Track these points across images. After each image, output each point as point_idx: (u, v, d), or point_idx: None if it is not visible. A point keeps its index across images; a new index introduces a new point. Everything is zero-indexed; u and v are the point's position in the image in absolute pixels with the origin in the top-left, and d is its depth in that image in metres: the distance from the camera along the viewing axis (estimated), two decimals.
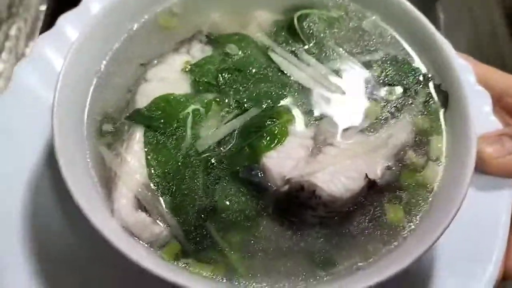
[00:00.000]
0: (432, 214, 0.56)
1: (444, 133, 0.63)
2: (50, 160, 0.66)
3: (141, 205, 0.56)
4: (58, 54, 0.76)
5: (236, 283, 0.53)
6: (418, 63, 0.68)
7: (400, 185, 0.59)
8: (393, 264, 0.51)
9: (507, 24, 1.23)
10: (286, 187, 0.55)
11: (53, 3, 0.96)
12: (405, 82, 0.67)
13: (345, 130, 0.62)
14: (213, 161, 0.59)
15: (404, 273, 0.50)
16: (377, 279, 0.49)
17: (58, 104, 0.57)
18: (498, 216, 0.66)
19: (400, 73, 0.67)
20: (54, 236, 0.63)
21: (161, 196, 0.57)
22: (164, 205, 0.57)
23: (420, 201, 0.59)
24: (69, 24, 0.78)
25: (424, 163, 0.61)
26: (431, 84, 0.67)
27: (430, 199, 0.59)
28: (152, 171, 0.58)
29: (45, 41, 0.77)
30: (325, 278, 0.55)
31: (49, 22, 0.90)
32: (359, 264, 0.55)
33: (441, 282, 0.64)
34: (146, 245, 0.55)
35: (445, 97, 0.64)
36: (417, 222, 0.57)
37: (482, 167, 0.66)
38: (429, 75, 0.67)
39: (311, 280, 0.54)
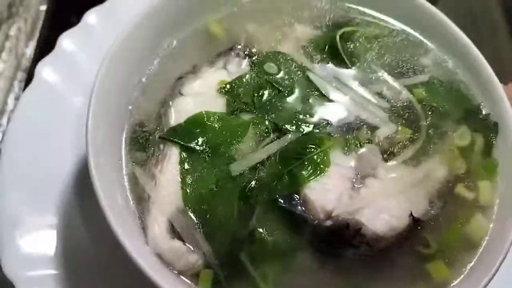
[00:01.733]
0: (476, 268, 0.53)
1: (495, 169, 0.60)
2: (80, 173, 0.65)
3: (175, 231, 0.54)
4: (83, 52, 0.74)
5: None
6: (467, 89, 0.66)
7: (444, 238, 0.56)
8: None
9: (507, 24, 1.21)
10: (329, 222, 0.53)
11: (53, 3, 0.94)
12: (454, 109, 0.64)
13: (388, 160, 0.59)
14: (250, 187, 0.56)
15: None
16: None
17: (93, 116, 0.54)
18: None
19: (449, 100, 0.65)
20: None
21: (196, 222, 0.55)
22: (199, 232, 0.54)
23: (464, 255, 0.56)
24: (95, 19, 0.77)
25: (471, 205, 0.58)
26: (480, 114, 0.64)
27: (475, 252, 0.56)
28: (187, 194, 0.56)
29: (70, 38, 0.75)
30: None
31: (49, 22, 0.90)
32: None
33: None
34: (177, 272, 0.53)
35: (496, 128, 0.61)
36: (460, 278, 0.54)
37: None
38: (480, 104, 0.64)
39: None
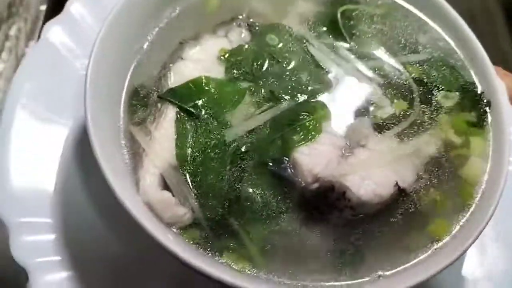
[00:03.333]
0: (466, 225, 0.55)
1: (486, 142, 0.62)
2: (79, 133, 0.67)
3: (166, 185, 0.56)
4: (90, 16, 0.75)
5: (254, 274, 0.52)
6: (463, 68, 0.67)
7: (432, 199, 0.58)
8: (418, 274, 0.50)
9: (507, 24, 1.21)
10: (316, 185, 0.54)
11: (53, 3, 0.94)
12: (447, 87, 0.65)
13: (379, 133, 0.61)
14: (242, 150, 0.58)
15: None
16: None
17: (92, 71, 0.56)
18: None
19: (442, 77, 0.66)
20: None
21: (187, 179, 0.56)
22: (189, 188, 0.56)
23: (456, 215, 0.58)
24: None
25: (460, 176, 0.59)
26: (474, 92, 0.66)
27: (466, 211, 0.58)
28: (181, 152, 0.57)
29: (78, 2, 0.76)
30: (344, 282, 0.54)
31: None
32: (381, 272, 0.54)
33: None
34: (166, 225, 0.54)
35: (488, 105, 0.63)
36: (449, 236, 0.56)
37: None
38: (474, 82, 0.65)
39: (331, 282, 0.54)
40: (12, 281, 0.88)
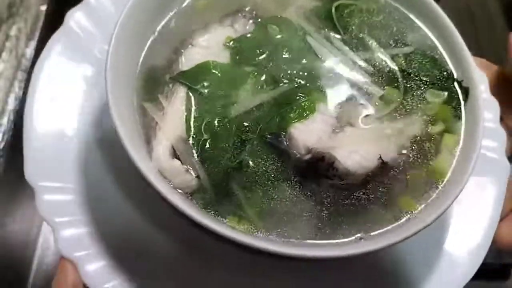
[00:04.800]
0: (437, 201, 0.62)
1: (461, 127, 0.69)
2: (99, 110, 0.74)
3: (176, 155, 0.63)
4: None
5: (254, 233, 0.60)
6: (443, 60, 0.74)
7: (412, 173, 0.65)
8: (389, 237, 0.58)
9: (507, 24, 1.26)
10: (309, 156, 0.61)
11: (53, 3, 0.96)
12: (430, 76, 0.72)
13: (366, 115, 0.68)
14: (244, 125, 0.65)
15: None
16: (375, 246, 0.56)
17: (113, 52, 0.62)
18: None
19: (425, 68, 0.73)
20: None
21: (195, 149, 0.63)
22: (196, 158, 0.63)
23: (428, 189, 0.64)
24: None
25: (437, 155, 0.67)
26: (453, 81, 0.72)
27: (438, 187, 0.64)
28: (190, 126, 0.65)
29: None
30: (327, 241, 0.61)
31: (50, 22, 0.94)
32: (361, 234, 0.61)
33: None
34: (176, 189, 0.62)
35: (466, 93, 0.70)
36: (422, 208, 0.63)
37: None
38: (453, 72, 0.73)
39: (316, 240, 0.61)
40: (12, 281, 0.95)
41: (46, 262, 1.04)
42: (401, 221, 0.61)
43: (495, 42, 1.26)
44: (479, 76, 0.72)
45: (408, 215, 0.62)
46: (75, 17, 0.81)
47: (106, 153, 0.72)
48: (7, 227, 0.97)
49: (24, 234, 1.03)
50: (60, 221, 0.66)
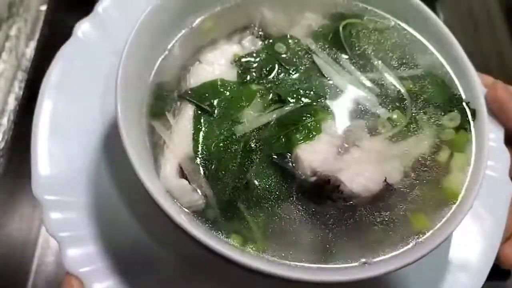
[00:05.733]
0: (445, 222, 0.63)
1: (471, 148, 0.69)
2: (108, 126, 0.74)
3: (183, 174, 0.63)
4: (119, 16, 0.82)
5: (258, 254, 0.60)
6: (450, 81, 0.75)
7: (419, 195, 0.65)
8: (395, 262, 0.58)
9: (507, 24, 1.26)
10: (314, 178, 0.62)
11: (53, 3, 0.96)
12: (437, 98, 0.73)
13: (372, 135, 0.68)
14: (251, 145, 0.66)
15: None
16: (379, 272, 0.56)
17: (123, 70, 0.63)
18: None
19: (433, 89, 0.73)
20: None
21: (202, 169, 0.64)
22: (203, 177, 0.63)
23: (437, 210, 0.65)
24: None
25: (447, 175, 0.67)
26: (461, 102, 0.73)
27: (449, 208, 0.65)
28: (197, 145, 0.65)
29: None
30: (331, 266, 0.61)
31: (50, 22, 0.93)
32: (365, 259, 0.61)
33: None
34: (182, 209, 0.62)
35: (473, 114, 0.70)
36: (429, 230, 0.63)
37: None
38: (461, 95, 0.73)
39: (320, 264, 0.61)
40: (12, 281, 0.96)
41: (46, 262, 1.04)
42: (408, 245, 0.62)
43: (497, 46, 1.26)
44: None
45: (414, 238, 0.62)
46: (83, 28, 0.81)
47: (114, 169, 0.72)
48: (7, 227, 0.97)
49: (24, 234, 1.03)
50: (66, 236, 0.67)
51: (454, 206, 0.65)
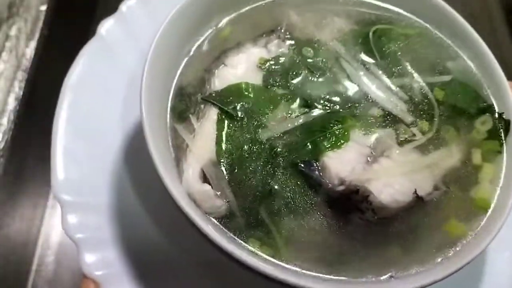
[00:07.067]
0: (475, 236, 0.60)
1: (502, 158, 0.66)
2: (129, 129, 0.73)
3: (206, 178, 0.62)
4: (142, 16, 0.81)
5: (281, 262, 0.58)
6: (482, 90, 0.72)
7: (450, 206, 0.63)
8: (422, 278, 0.55)
9: (507, 24, 1.24)
10: (342, 187, 0.60)
11: (53, 3, 0.96)
12: (468, 107, 0.70)
13: (402, 145, 0.66)
14: (275, 150, 0.64)
15: None
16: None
17: (146, 77, 0.61)
18: None
19: (465, 99, 0.71)
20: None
21: (225, 174, 0.62)
22: (226, 182, 0.62)
23: (469, 223, 0.62)
24: None
25: (477, 186, 0.65)
26: (493, 112, 0.70)
27: (481, 220, 0.62)
28: (220, 149, 0.63)
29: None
30: (358, 279, 0.59)
31: (50, 22, 0.93)
32: (393, 272, 0.59)
33: None
34: (205, 214, 0.60)
35: (506, 125, 0.68)
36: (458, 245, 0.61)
37: None
38: (493, 104, 0.70)
39: (345, 277, 0.59)
40: (12, 281, 0.95)
41: (46, 262, 1.03)
42: (437, 260, 0.59)
43: (497, 44, 1.24)
44: None
45: (444, 253, 0.60)
46: (106, 27, 0.80)
47: (135, 172, 0.71)
48: (7, 227, 0.97)
49: (24, 234, 1.02)
50: (84, 238, 0.65)
51: (484, 219, 0.62)
